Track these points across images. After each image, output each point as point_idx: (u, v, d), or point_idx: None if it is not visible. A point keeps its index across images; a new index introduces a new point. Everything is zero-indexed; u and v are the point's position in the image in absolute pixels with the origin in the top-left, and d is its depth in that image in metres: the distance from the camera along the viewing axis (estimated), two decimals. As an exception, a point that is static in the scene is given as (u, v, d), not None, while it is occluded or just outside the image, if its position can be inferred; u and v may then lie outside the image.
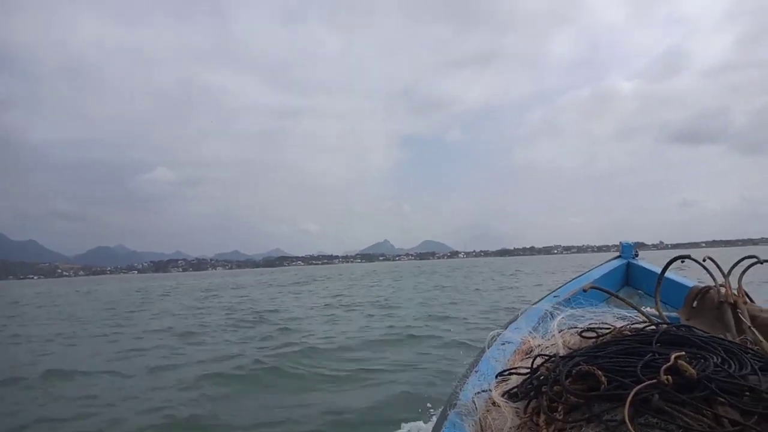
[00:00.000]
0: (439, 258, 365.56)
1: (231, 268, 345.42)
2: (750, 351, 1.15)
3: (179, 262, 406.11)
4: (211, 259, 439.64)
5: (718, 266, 2.40)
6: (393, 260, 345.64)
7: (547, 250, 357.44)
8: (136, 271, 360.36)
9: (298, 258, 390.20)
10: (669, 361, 0.99)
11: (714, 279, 2.39)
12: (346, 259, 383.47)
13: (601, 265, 3.74)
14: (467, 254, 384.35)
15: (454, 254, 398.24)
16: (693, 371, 0.97)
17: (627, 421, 0.91)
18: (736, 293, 2.25)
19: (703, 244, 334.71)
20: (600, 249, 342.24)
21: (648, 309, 2.11)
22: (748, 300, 2.29)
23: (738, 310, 2.13)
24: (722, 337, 1.22)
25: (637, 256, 3.84)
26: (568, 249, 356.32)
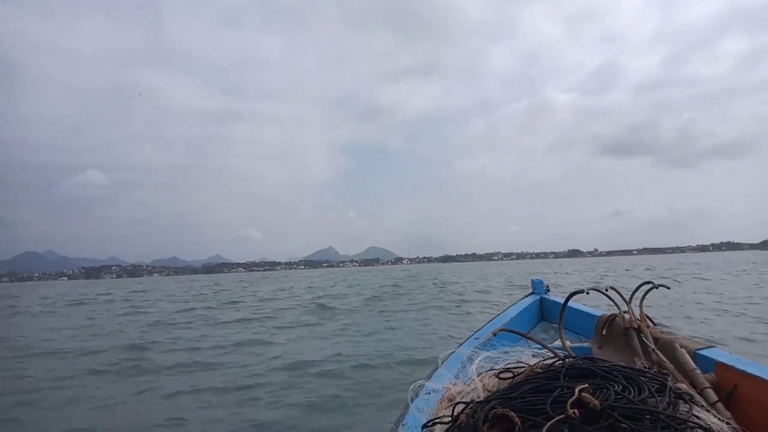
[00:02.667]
0: (383, 264, 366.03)
1: (168, 274, 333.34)
2: (648, 374, 1.21)
3: (113, 268, 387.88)
4: (147, 266, 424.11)
5: (620, 294, 2.55)
6: (337, 266, 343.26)
7: (488, 257, 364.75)
8: (65, 278, 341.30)
9: (239, 264, 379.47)
10: (574, 395, 1.04)
11: (618, 307, 2.52)
12: (289, 265, 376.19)
13: (516, 303, 3.90)
14: (411, 260, 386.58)
15: (398, 260, 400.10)
16: (596, 402, 1.02)
17: None
18: (639, 318, 2.39)
19: (635, 252, 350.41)
20: (538, 255, 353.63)
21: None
22: (650, 324, 2.44)
23: (642, 335, 2.27)
24: (623, 364, 1.28)
25: (548, 291, 4.02)
26: (507, 255, 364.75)
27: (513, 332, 2.20)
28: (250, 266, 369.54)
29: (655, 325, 2.48)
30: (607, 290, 2.57)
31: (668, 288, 2.73)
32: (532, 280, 4.13)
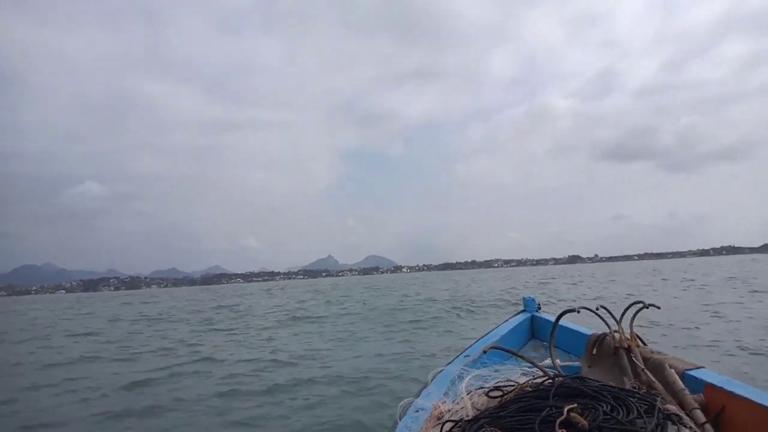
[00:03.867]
0: (382, 273, 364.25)
1: (167, 286, 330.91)
2: (637, 395, 1.22)
3: (111, 280, 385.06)
4: (146, 277, 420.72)
5: (610, 313, 2.57)
6: (336, 276, 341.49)
7: (488, 264, 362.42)
8: (63, 291, 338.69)
9: (237, 275, 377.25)
10: (563, 415, 1.06)
11: (608, 326, 2.53)
12: (288, 275, 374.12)
13: (508, 320, 3.89)
14: (410, 269, 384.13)
15: (398, 269, 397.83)
16: (585, 422, 1.03)
17: None
18: (629, 338, 2.39)
19: (636, 257, 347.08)
20: (538, 262, 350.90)
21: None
22: (640, 343, 2.43)
23: (632, 354, 2.26)
24: (612, 384, 1.29)
25: (539, 309, 4.02)
26: (508, 262, 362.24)
27: (504, 350, 2.21)
28: (249, 276, 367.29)
29: (645, 344, 2.47)
30: (597, 309, 2.57)
31: (659, 308, 2.73)
32: (523, 297, 4.09)
